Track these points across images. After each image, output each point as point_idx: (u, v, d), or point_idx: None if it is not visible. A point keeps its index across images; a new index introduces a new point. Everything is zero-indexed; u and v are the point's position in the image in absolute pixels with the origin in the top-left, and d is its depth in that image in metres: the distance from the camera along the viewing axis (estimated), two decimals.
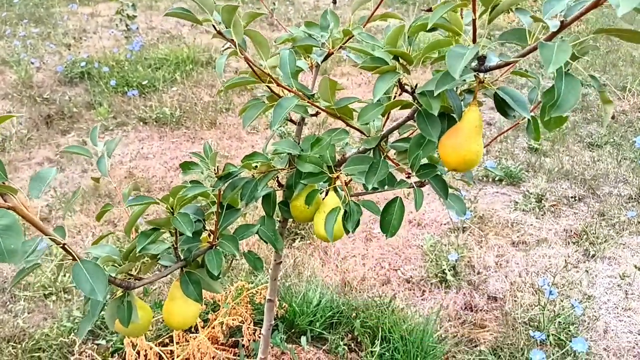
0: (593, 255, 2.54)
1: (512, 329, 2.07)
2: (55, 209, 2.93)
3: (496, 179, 3.24)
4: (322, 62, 1.14)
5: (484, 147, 1.16)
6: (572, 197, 3.04)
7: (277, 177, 1.15)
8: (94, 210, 2.94)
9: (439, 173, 1.01)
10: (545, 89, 0.76)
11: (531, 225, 2.80)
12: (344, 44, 1.12)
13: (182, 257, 0.99)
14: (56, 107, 4.19)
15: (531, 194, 3.03)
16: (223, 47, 0.93)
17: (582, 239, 2.67)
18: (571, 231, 2.74)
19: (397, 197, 0.98)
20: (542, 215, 2.88)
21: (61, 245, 0.76)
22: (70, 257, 0.77)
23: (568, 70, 0.79)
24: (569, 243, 2.66)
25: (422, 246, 2.64)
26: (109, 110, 4.16)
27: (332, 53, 1.13)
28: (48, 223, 2.81)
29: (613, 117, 4.25)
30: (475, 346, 2.02)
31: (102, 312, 0.91)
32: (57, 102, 4.27)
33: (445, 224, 2.84)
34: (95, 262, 0.75)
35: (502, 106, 0.87)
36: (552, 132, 0.90)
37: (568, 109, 0.70)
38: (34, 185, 0.82)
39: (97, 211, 2.94)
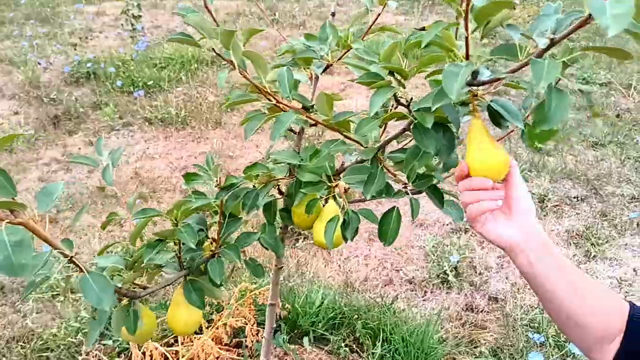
0: (594, 256, 2.56)
1: (513, 330, 2.09)
2: (62, 210, 2.97)
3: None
4: (321, 74, 1.17)
5: None
6: (574, 197, 3.05)
7: (278, 185, 1.18)
8: (101, 210, 2.98)
9: (434, 183, 1.04)
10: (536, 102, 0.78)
11: None
12: (342, 56, 1.14)
13: (185, 265, 1.02)
14: (63, 108, 4.24)
15: (534, 194, 3.04)
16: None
17: (583, 240, 2.68)
18: (573, 232, 2.75)
19: (395, 206, 1.01)
20: (544, 215, 2.90)
21: (69, 258, 0.79)
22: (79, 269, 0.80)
23: (557, 83, 0.81)
24: (570, 244, 2.67)
25: (424, 247, 2.67)
26: (115, 110, 4.20)
27: (331, 65, 1.16)
28: (56, 224, 2.86)
29: (618, 116, 4.24)
30: (476, 347, 2.05)
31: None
32: (63, 102, 4.32)
33: (448, 224, 2.86)
34: (102, 274, 0.78)
35: (495, 117, 0.89)
36: (543, 143, 0.90)
37: (557, 122, 0.72)
38: (42, 199, 0.85)
39: (104, 211, 2.98)
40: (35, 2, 7.28)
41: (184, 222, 0.98)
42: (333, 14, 1.23)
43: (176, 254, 1.00)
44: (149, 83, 4.59)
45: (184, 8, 0.85)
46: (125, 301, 0.94)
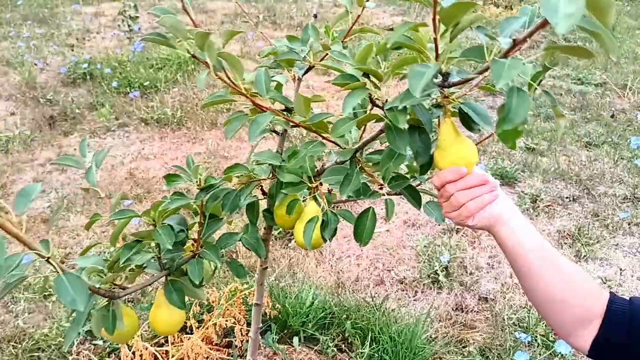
0: (585, 256, 2.57)
1: (501, 330, 2.10)
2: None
3: None
4: (303, 75, 1.18)
5: None
6: (566, 198, 3.06)
7: (261, 185, 1.19)
8: (95, 211, 2.99)
9: (416, 184, 1.05)
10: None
11: None
12: (323, 58, 1.16)
13: (166, 266, 1.03)
14: (59, 108, 4.26)
15: (526, 194, 3.05)
16: None
17: (574, 240, 2.69)
18: (564, 232, 2.76)
19: (370, 207, 1.02)
20: (536, 215, 2.91)
21: (45, 258, 0.80)
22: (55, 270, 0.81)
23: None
24: (561, 244, 2.68)
25: (416, 247, 2.68)
26: (110, 111, 4.21)
27: (313, 66, 1.17)
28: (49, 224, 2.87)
29: (612, 116, 4.25)
30: (464, 347, 2.06)
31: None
32: (60, 103, 4.33)
33: (440, 225, 2.87)
34: (76, 274, 0.79)
35: (466, 120, 0.90)
36: (509, 144, 0.91)
37: (518, 122, 0.72)
38: (20, 201, 0.86)
39: (97, 212, 3.00)
40: (33, 3, 7.30)
41: (164, 223, 0.99)
42: (315, 16, 1.24)
43: (156, 255, 1.01)
44: (145, 84, 4.60)
45: (159, 8, 0.86)
46: (104, 301, 0.95)
